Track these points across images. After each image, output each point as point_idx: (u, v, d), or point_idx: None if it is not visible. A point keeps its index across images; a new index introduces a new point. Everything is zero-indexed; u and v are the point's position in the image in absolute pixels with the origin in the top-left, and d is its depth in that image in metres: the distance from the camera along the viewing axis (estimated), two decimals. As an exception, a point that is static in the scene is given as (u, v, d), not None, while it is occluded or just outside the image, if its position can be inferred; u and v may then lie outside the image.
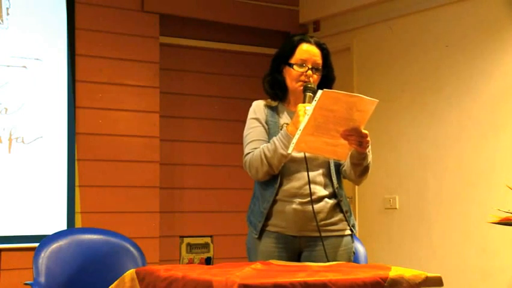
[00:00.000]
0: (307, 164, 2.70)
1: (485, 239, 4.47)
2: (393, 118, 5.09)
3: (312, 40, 2.85)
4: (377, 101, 2.44)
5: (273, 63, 2.88)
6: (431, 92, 4.89)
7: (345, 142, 2.51)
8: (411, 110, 5.01)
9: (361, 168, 2.73)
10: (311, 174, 2.74)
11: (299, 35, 2.89)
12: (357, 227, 2.89)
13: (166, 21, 5.28)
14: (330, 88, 2.82)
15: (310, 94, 2.71)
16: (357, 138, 2.51)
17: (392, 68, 5.18)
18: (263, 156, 2.70)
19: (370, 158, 2.72)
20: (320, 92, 2.39)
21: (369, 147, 2.66)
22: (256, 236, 2.78)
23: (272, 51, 2.95)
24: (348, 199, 2.90)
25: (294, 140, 2.45)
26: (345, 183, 2.90)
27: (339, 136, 2.49)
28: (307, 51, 2.82)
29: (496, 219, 3.83)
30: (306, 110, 2.57)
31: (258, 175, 2.75)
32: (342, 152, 2.58)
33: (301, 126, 2.43)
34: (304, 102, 2.69)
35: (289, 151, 2.52)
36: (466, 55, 4.69)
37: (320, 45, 2.85)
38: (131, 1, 5.10)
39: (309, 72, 2.79)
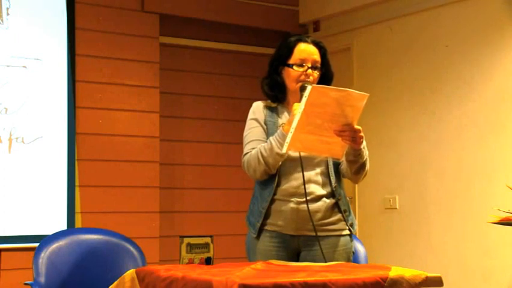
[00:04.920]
0: (302, 163, 2.70)
1: (485, 239, 4.47)
2: (393, 118, 5.09)
3: (309, 39, 2.86)
4: (367, 95, 2.44)
5: (270, 65, 2.88)
6: (431, 92, 4.89)
7: (339, 139, 2.52)
8: (411, 110, 5.01)
9: (357, 166, 2.73)
10: (309, 173, 2.74)
11: (295, 36, 2.88)
12: (356, 227, 2.89)
13: (166, 21, 5.28)
14: (330, 86, 2.83)
15: None
16: (351, 134, 2.52)
17: (392, 68, 5.18)
18: (260, 156, 2.71)
19: (366, 155, 2.73)
20: (308, 87, 2.40)
21: (364, 143, 2.67)
22: (255, 235, 2.79)
23: (272, 51, 2.95)
24: (348, 199, 2.90)
25: (288, 139, 2.46)
26: (345, 182, 2.90)
27: (333, 133, 2.49)
28: (306, 50, 2.82)
29: (496, 219, 3.83)
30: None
31: (255, 174, 2.76)
32: (337, 149, 2.59)
33: (294, 124, 2.44)
34: (300, 101, 2.69)
35: (284, 150, 2.52)
36: (466, 55, 4.69)
37: (317, 44, 2.86)
38: (131, 1, 5.10)
39: (309, 71, 2.79)
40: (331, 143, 2.53)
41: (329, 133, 2.49)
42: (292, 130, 2.44)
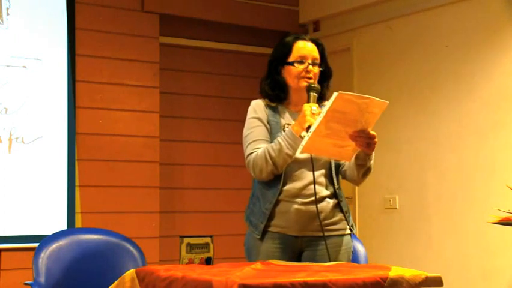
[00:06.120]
0: (313, 164, 2.70)
1: (485, 239, 4.47)
2: (393, 118, 5.08)
3: (306, 37, 2.86)
4: (387, 102, 2.45)
5: (270, 66, 2.87)
6: (430, 92, 4.89)
7: (352, 143, 2.53)
8: (411, 110, 5.01)
9: (365, 169, 2.74)
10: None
11: (292, 35, 2.89)
12: (355, 227, 2.91)
13: (166, 21, 5.28)
14: (329, 83, 2.86)
15: (315, 94, 2.72)
16: (366, 140, 2.53)
17: (391, 68, 5.18)
18: (268, 156, 2.69)
19: (373, 158, 2.73)
20: (334, 94, 2.39)
21: None
22: (258, 237, 2.77)
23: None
24: (347, 199, 2.91)
25: (304, 142, 2.46)
26: (345, 183, 2.91)
27: (347, 137, 2.49)
28: (305, 47, 2.82)
29: (496, 219, 3.83)
30: (312, 110, 2.58)
31: (262, 175, 2.74)
32: (347, 153, 2.59)
33: (313, 128, 2.44)
34: (308, 102, 2.69)
35: (298, 153, 2.52)
36: (466, 55, 4.69)
37: (314, 41, 2.87)
38: (131, 1, 5.10)
39: (310, 67, 2.79)
40: (343, 147, 2.53)
41: (343, 137, 2.49)
42: (309, 134, 2.44)
